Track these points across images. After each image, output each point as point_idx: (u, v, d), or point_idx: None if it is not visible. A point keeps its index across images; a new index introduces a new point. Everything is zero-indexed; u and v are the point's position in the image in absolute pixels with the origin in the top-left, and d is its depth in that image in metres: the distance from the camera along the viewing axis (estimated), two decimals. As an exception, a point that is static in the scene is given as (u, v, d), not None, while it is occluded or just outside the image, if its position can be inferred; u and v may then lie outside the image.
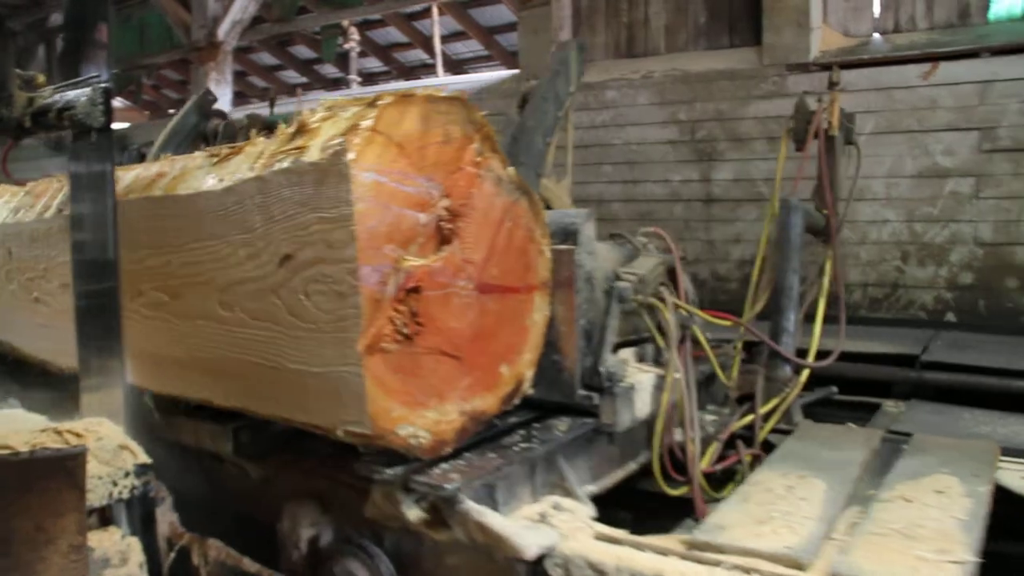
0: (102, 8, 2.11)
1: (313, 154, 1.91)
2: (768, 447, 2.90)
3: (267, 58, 13.59)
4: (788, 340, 2.94)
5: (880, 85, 5.37)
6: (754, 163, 5.85)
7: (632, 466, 2.64)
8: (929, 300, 5.19)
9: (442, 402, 2.04)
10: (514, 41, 9.61)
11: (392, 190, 1.91)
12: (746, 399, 3.26)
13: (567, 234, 2.36)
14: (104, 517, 1.69)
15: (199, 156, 2.37)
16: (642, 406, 2.48)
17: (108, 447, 1.69)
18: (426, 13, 11.15)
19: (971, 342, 3.96)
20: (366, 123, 1.87)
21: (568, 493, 2.21)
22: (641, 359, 2.63)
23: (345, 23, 10.85)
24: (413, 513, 1.98)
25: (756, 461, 2.83)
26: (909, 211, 5.24)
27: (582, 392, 2.37)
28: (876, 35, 6.20)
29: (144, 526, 1.77)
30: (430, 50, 11.57)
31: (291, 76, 14.01)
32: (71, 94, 2.03)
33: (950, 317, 5.06)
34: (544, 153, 2.87)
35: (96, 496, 1.62)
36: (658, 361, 2.70)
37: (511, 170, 2.23)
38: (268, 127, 4.75)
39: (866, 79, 5.39)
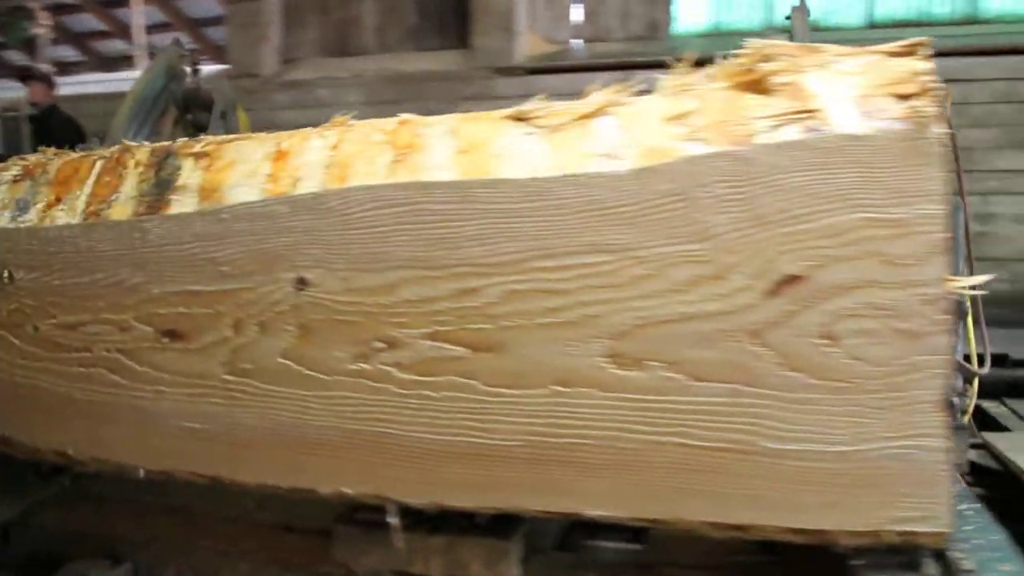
0: None
1: (847, 122, 1.24)
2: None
3: (-61, 39, 11.15)
4: (958, 347, 2.80)
5: (581, 91, 5.73)
6: (464, 164, 6.04)
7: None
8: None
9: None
10: (223, 35, 8.86)
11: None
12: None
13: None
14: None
15: (491, 116, 1.48)
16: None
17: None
18: (126, 1, 9.94)
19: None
20: (925, 79, 1.26)
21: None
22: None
23: (33, 5, 9.41)
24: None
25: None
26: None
27: (929, 431, 1.95)
28: (582, 42, 6.58)
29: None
30: (131, 40, 10.32)
31: (-33, 61, 11.76)
32: None
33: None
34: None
35: None
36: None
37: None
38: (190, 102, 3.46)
39: (568, 84, 5.75)
